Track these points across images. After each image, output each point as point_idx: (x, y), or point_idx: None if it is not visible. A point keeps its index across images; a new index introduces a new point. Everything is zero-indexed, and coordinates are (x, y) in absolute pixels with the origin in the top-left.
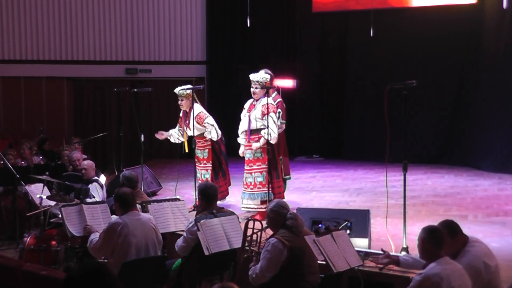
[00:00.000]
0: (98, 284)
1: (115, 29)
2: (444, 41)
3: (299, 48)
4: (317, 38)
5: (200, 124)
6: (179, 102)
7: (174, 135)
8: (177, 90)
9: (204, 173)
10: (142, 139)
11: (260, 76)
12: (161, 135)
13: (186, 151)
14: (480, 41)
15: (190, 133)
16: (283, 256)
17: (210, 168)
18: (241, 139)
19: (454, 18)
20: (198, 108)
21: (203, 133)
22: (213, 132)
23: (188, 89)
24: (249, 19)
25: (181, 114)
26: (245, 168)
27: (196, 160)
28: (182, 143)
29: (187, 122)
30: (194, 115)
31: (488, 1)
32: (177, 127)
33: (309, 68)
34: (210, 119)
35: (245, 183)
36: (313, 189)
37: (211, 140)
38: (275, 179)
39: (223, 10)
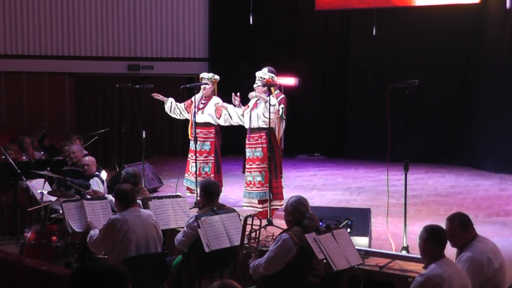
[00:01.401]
0: (112, 283)
1: (117, 25)
2: (447, 40)
3: (302, 46)
4: (320, 36)
5: (217, 112)
6: (203, 86)
7: (171, 105)
8: (204, 74)
9: (203, 166)
10: (144, 135)
11: (262, 72)
12: (157, 96)
13: (190, 137)
14: (483, 40)
15: (199, 118)
16: (292, 254)
17: (212, 161)
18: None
19: (456, 18)
20: (218, 99)
21: (209, 123)
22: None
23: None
24: (252, 17)
25: (192, 99)
26: (246, 166)
27: (191, 154)
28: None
29: (201, 106)
30: (215, 102)
31: (491, 0)
32: (178, 103)
33: (311, 66)
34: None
35: (245, 181)
36: (314, 187)
37: (214, 133)
38: (274, 179)
39: (226, 7)
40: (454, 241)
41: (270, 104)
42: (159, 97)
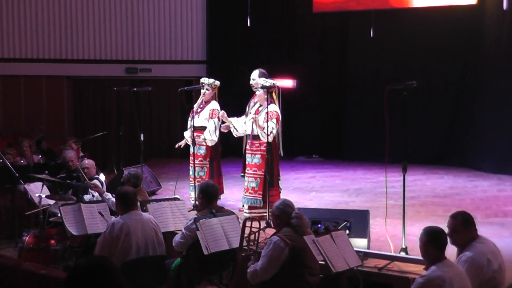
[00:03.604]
0: (101, 277)
1: (115, 28)
2: (444, 42)
3: (299, 48)
4: (318, 38)
5: (210, 117)
6: (202, 92)
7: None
8: (204, 79)
9: (199, 170)
10: (142, 138)
11: (262, 79)
12: (180, 144)
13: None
14: (480, 42)
15: (196, 122)
16: (284, 255)
17: (207, 166)
18: (187, 134)
19: (454, 19)
20: (216, 104)
21: (205, 127)
22: (208, 133)
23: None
24: (250, 19)
25: (195, 106)
26: (246, 171)
27: (191, 158)
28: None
29: (198, 110)
30: (211, 108)
31: (488, 2)
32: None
33: (309, 68)
34: (215, 122)
35: (244, 186)
36: (312, 189)
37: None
38: (270, 186)
39: (224, 9)
40: (454, 239)
41: (268, 113)
42: (181, 143)
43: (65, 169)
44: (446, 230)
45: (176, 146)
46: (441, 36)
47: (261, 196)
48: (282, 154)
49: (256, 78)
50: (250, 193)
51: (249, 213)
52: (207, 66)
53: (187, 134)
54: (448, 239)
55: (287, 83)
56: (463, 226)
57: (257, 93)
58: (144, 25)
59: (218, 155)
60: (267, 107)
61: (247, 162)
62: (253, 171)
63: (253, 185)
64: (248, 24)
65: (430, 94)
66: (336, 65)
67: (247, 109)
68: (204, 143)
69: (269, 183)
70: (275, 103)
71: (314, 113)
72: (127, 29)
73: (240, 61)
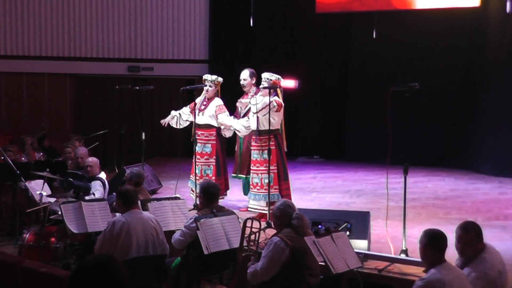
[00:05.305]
0: (106, 276)
1: (118, 26)
2: (447, 44)
3: (302, 48)
4: (320, 39)
5: (216, 115)
6: (205, 89)
7: (177, 115)
8: (207, 76)
9: (205, 168)
10: (143, 137)
11: (268, 74)
12: (163, 122)
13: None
14: (483, 44)
15: (200, 120)
16: (285, 256)
17: (214, 164)
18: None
19: (457, 21)
20: (220, 100)
21: (210, 125)
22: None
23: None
24: (252, 19)
25: (196, 100)
26: (252, 168)
27: (194, 156)
28: (191, 133)
29: (202, 107)
30: (216, 104)
31: (492, 4)
32: (182, 109)
33: (312, 69)
34: (227, 115)
35: (251, 183)
36: (313, 190)
37: (215, 135)
38: (283, 180)
39: (227, 9)
40: (465, 251)
41: (269, 102)
42: (165, 120)
43: (74, 166)
44: (455, 242)
45: (162, 121)
46: (444, 38)
47: (278, 190)
48: (286, 150)
49: (248, 78)
50: (265, 189)
51: (270, 209)
52: (209, 65)
53: (174, 112)
54: (456, 251)
55: (289, 83)
56: (476, 239)
57: (261, 87)
58: (147, 23)
59: (223, 151)
60: (269, 98)
61: (254, 159)
62: (265, 167)
63: (267, 181)
64: (251, 24)
65: (432, 96)
66: (338, 66)
67: (239, 109)
68: (210, 142)
69: (282, 177)
70: (279, 97)
71: (316, 113)
72: (129, 28)
73: (243, 60)
